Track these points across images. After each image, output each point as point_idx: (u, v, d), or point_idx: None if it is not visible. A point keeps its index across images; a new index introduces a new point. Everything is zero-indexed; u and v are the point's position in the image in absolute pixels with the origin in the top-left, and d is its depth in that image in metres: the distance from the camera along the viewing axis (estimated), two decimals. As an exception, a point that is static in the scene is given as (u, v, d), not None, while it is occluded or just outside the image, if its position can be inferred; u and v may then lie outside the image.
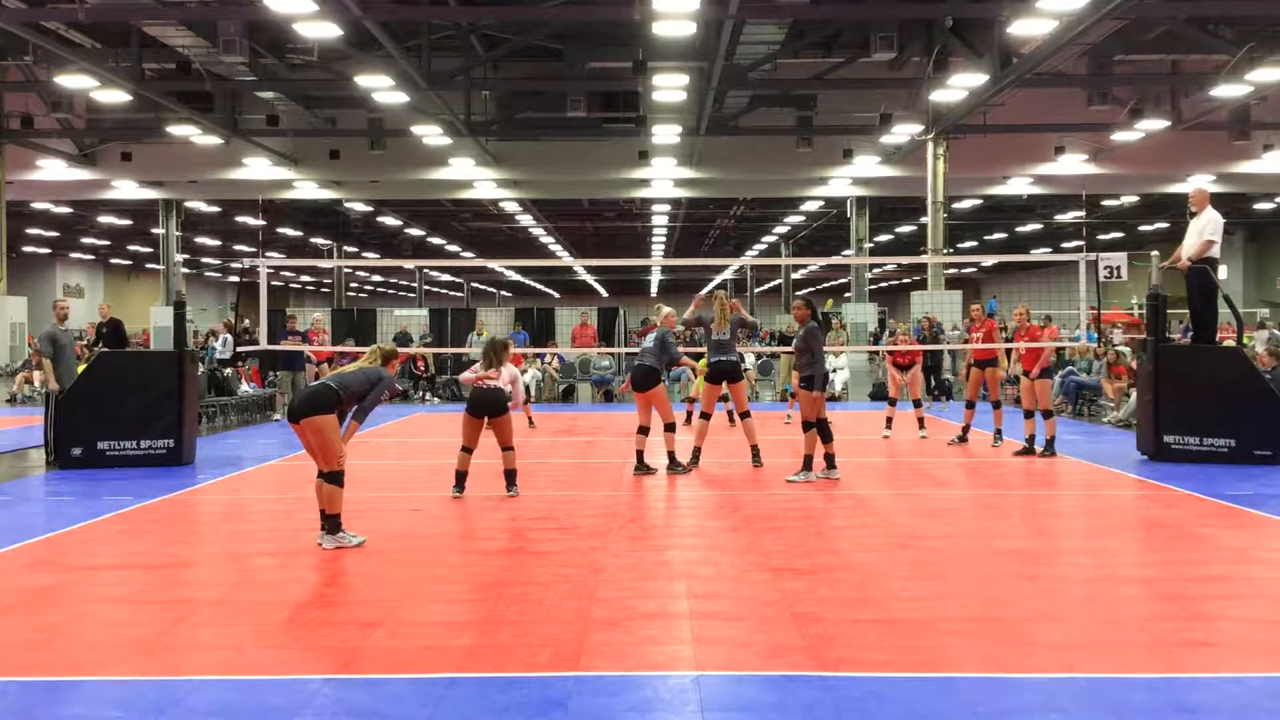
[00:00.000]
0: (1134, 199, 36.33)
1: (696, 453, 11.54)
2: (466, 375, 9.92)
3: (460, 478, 9.66)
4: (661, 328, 11.38)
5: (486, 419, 9.55)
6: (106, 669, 4.99)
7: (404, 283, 67.74)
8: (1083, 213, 35.34)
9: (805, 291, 65.32)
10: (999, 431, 13.32)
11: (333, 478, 7.58)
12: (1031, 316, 13.36)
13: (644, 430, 11.16)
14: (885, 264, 56.02)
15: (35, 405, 19.69)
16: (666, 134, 25.49)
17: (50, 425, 12.04)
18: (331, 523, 7.61)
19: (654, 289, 71.15)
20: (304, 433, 7.63)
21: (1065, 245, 46.71)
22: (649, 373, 11.08)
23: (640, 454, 11.17)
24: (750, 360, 23.52)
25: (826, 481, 10.46)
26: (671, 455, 11.17)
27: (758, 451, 11.64)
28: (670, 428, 11.20)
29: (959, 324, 23.74)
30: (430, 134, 25.59)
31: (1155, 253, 12.75)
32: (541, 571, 6.77)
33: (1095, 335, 17.76)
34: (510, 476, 9.68)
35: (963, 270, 62.16)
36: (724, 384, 11.68)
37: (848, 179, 29.77)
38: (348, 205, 36.10)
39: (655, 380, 11.11)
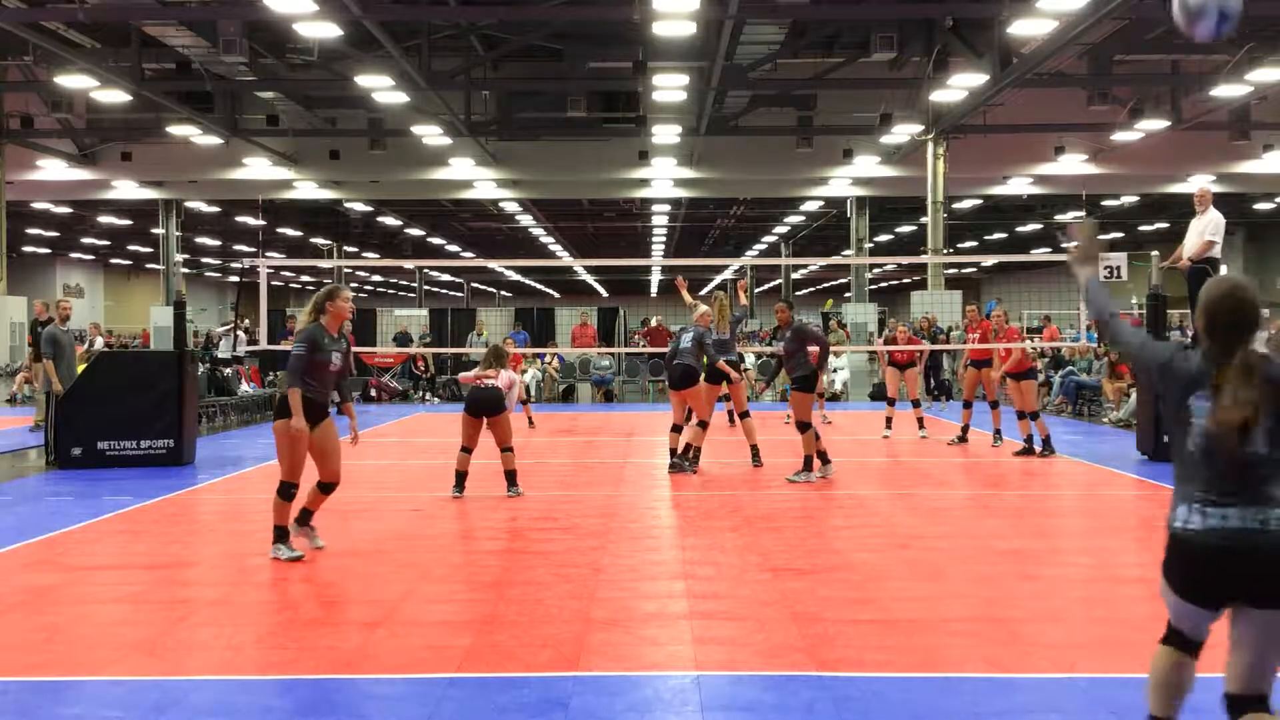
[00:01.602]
0: (1134, 199, 36.32)
1: (696, 453, 11.57)
2: (466, 375, 9.98)
3: (460, 478, 9.67)
4: (697, 327, 11.45)
5: (485, 419, 9.58)
6: (106, 669, 4.99)
7: (404, 283, 67.69)
8: (1083, 213, 35.34)
9: (805, 291, 65.37)
10: (998, 431, 13.33)
11: (280, 487, 7.16)
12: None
13: (677, 429, 11.27)
14: (885, 264, 55.99)
15: (35, 405, 19.67)
16: (666, 134, 25.49)
17: (51, 425, 12.05)
18: (275, 531, 7.21)
19: (654, 289, 71.14)
20: None
21: (1065, 245, 46.66)
22: (687, 371, 11.17)
23: (674, 451, 11.28)
24: (750, 360, 23.52)
25: (825, 481, 10.48)
26: (688, 449, 11.25)
27: (757, 451, 11.66)
28: (703, 425, 11.29)
29: (958, 324, 23.75)
30: (430, 134, 25.59)
31: (1155, 253, 12.76)
32: (541, 571, 6.77)
33: (1096, 335, 17.77)
34: (510, 477, 9.69)
35: (963, 270, 62.14)
36: (723, 384, 11.73)
37: (848, 179, 29.76)
38: (348, 205, 36.09)
39: (694, 379, 11.23)
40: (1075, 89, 24.36)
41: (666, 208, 37.47)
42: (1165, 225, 41.24)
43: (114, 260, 56.32)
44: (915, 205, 31.99)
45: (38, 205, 34.99)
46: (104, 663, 5.08)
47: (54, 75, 20.72)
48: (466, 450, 9.71)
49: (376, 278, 68.03)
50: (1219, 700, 4.09)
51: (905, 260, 51.07)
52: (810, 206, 35.81)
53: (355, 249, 50.82)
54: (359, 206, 36.76)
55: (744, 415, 11.87)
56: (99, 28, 20.08)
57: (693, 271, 62.37)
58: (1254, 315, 3.34)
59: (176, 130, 25.49)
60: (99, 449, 11.68)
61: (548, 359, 23.45)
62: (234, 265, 18.49)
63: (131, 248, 50.42)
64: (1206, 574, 3.28)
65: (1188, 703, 4.50)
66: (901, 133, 25.10)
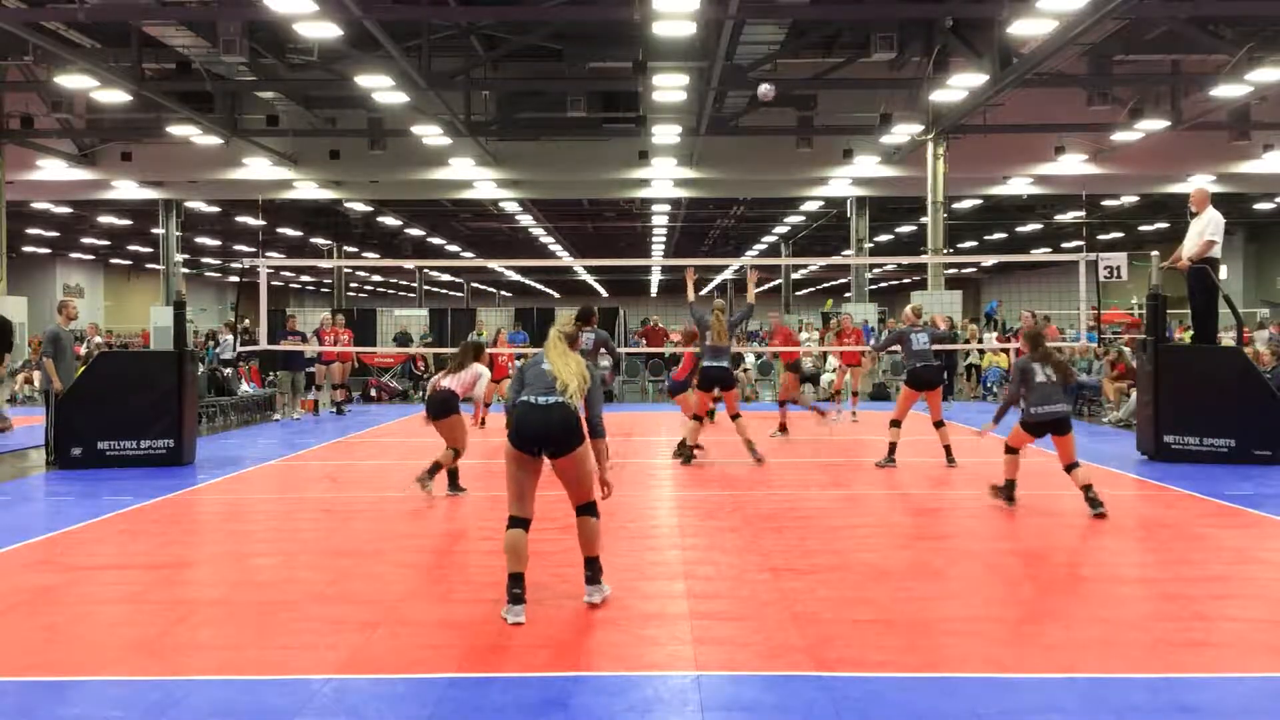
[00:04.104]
0: (1134, 199, 36.33)
1: (682, 445, 11.78)
2: (435, 379, 10.01)
3: (452, 476, 9.76)
4: (935, 328, 12.30)
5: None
6: (106, 669, 4.99)
7: (404, 283, 67.73)
8: (1083, 213, 35.34)
9: (805, 291, 65.28)
10: (853, 412, 16.94)
11: (594, 509, 6.18)
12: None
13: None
14: (885, 264, 56.01)
15: (35, 405, 19.68)
16: (666, 134, 25.49)
17: (51, 425, 12.03)
18: (596, 566, 6.14)
19: (654, 289, 71.18)
20: (564, 468, 6.12)
21: (1065, 245, 46.70)
22: (938, 370, 11.85)
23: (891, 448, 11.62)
24: (750, 360, 23.52)
25: (826, 481, 10.51)
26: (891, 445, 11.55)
27: (753, 446, 11.74)
28: (938, 424, 11.65)
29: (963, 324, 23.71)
30: (430, 134, 25.59)
31: (1155, 253, 12.75)
32: (541, 572, 6.76)
33: (1096, 336, 17.84)
34: (450, 475, 9.73)
35: (963, 270, 62.15)
36: (716, 390, 11.81)
37: (848, 179, 29.76)
38: (348, 205, 36.10)
39: (942, 379, 12.10)
40: (1075, 89, 24.37)
41: (666, 208, 37.47)
42: (1165, 225, 41.23)
43: (114, 260, 56.32)
44: (915, 205, 32.00)
45: (38, 205, 34.99)
46: (104, 663, 5.08)
47: (54, 75, 20.72)
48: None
49: (376, 278, 68.05)
50: (1219, 700, 4.09)
51: (905, 260, 51.08)
52: (810, 206, 35.82)
53: (355, 249, 50.83)
54: (359, 206, 36.76)
55: (734, 417, 11.87)
56: (99, 28, 20.08)
57: (693, 271, 62.00)
58: (1043, 337, 9.26)
59: (176, 130, 25.49)
60: (99, 449, 11.66)
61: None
62: (234, 265, 18.48)
63: (131, 248, 50.43)
64: (1043, 426, 8.73)
65: (1186, 703, 4.53)
66: (901, 133, 25.11)
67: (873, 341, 19.61)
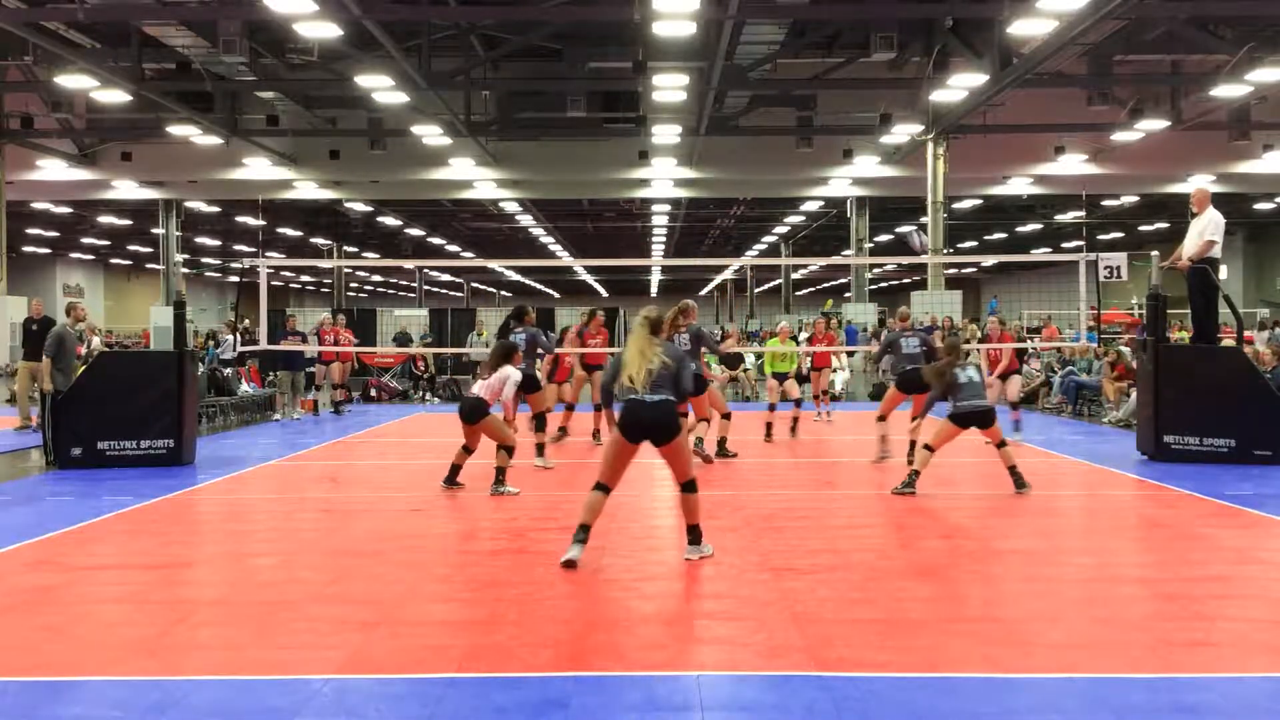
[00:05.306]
0: (1134, 199, 36.36)
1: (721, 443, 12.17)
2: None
3: (453, 470, 9.96)
4: (893, 332, 12.28)
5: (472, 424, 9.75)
6: (106, 669, 4.99)
7: (404, 283, 67.75)
8: (1083, 213, 35.36)
9: (805, 291, 65.27)
10: (829, 413, 16.88)
11: (694, 486, 7.11)
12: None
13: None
14: (885, 264, 56.02)
15: (34, 405, 19.66)
16: (666, 134, 25.51)
17: (47, 425, 12.03)
18: (696, 532, 7.12)
19: (654, 289, 71.20)
20: (670, 453, 6.99)
21: (1065, 245, 46.72)
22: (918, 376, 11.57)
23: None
24: (750, 360, 23.51)
25: (825, 481, 10.54)
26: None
27: (723, 444, 12.24)
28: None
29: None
30: (430, 134, 25.60)
31: (1155, 253, 12.74)
32: (541, 571, 6.76)
33: (1095, 335, 17.84)
34: (497, 474, 9.77)
35: (963, 270, 62.16)
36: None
37: (848, 179, 29.79)
38: (348, 205, 36.11)
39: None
40: (1075, 89, 24.37)
41: (666, 208, 37.50)
42: (1165, 225, 41.26)
43: (114, 260, 56.35)
44: (915, 205, 32.01)
45: (38, 205, 35.01)
46: (104, 663, 5.08)
47: (54, 75, 20.73)
48: (466, 450, 9.97)
49: (376, 278, 68.09)
50: (1219, 700, 4.07)
51: (905, 260, 51.09)
52: (810, 206, 35.85)
53: (355, 249, 50.85)
54: (359, 206, 36.78)
55: (702, 420, 12.02)
56: (99, 28, 20.10)
57: (693, 271, 62.37)
58: (960, 347, 9.91)
59: (176, 130, 25.51)
60: (99, 449, 11.65)
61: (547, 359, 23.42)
62: (234, 265, 18.49)
63: (131, 248, 50.47)
64: (971, 418, 9.49)
65: (1186, 703, 4.52)
66: (901, 133, 25.13)
67: (873, 344, 19.68)
